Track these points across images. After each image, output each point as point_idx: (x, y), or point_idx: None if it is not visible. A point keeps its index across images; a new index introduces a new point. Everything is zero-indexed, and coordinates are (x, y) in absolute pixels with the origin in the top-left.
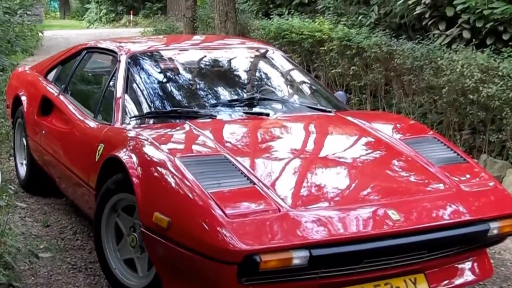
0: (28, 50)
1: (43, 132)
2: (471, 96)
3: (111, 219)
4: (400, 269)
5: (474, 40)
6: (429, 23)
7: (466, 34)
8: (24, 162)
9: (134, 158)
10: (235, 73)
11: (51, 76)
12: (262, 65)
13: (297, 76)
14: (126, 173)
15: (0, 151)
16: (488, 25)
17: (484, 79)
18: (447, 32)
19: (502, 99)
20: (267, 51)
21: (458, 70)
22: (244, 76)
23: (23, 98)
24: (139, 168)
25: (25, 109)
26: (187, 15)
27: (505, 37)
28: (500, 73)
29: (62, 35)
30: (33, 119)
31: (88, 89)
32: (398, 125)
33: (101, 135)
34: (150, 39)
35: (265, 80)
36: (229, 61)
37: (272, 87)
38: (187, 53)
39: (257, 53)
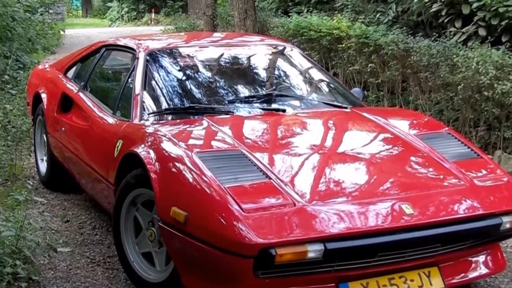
0: (49, 48)
1: (63, 128)
2: (486, 93)
3: (130, 213)
4: (414, 262)
5: (489, 37)
6: (446, 20)
7: (482, 32)
8: (45, 158)
9: (152, 154)
10: (252, 69)
11: (70, 73)
12: (279, 62)
13: (314, 72)
14: (144, 168)
15: (21, 148)
16: (503, 23)
17: (499, 76)
18: (463, 30)
19: None
20: (284, 48)
21: (473, 67)
22: (261, 73)
23: (43, 96)
24: (157, 163)
25: (45, 106)
26: (207, 13)
27: None
28: None
29: (84, 33)
30: (53, 116)
31: (107, 86)
32: (413, 121)
33: (119, 131)
34: (170, 36)
35: (282, 76)
36: (247, 58)
37: (289, 83)
38: (205, 50)
39: (275, 50)
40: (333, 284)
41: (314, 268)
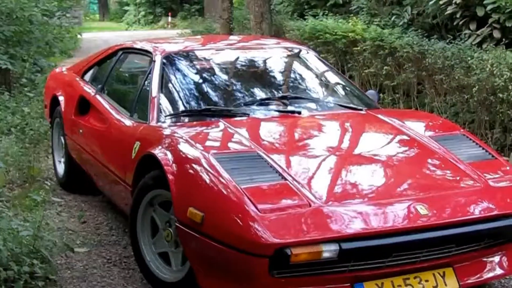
0: (66, 52)
1: (81, 131)
2: (500, 95)
3: (147, 214)
4: (429, 263)
5: (504, 39)
6: (460, 23)
7: (497, 34)
8: (62, 160)
9: (169, 155)
10: (268, 72)
11: (87, 76)
12: (295, 64)
13: (329, 75)
14: (162, 169)
15: (38, 150)
16: None
17: None
18: (478, 32)
19: None
20: (300, 51)
21: (488, 69)
22: (277, 76)
23: (61, 98)
24: (174, 164)
25: (63, 109)
26: (224, 16)
27: None
28: None
29: (101, 37)
30: (71, 118)
31: (124, 89)
32: (428, 123)
33: (137, 133)
34: (186, 39)
35: (298, 79)
36: (263, 60)
37: (305, 86)
38: (221, 53)
39: (291, 53)
40: (348, 284)
41: (329, 268)
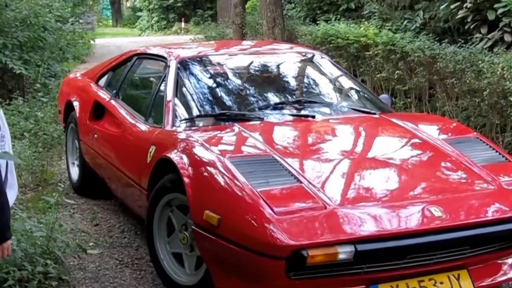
0: (80, 58)
1: (95, 136)
2: (511, 99)
3: (163, 215)
4: (443, 265)
5: None
6: (472, 26)
7: (508, 37)
8: (76, 164)
9: (185, 159)
10: (282, 77)
11: (102, 81)
12: (308, 69)
13: (342, 79)
14: (177, 173)
15: (51, 154)
16: None
17: None
18: (489, 36)
19: None
20: (313, 55)
21: (498, 72)
22: (291, 80)
23: (75, 104)
24: (190, 168)
25: (77, 114)
26: (236, 21)
27: None
28: None
29: (114, 42)
30: (86, 123)
31: (138, 94)
32: (441, 126)
33: (152, 138)
34: (200, 44)
35: (312, 83)
36: (276, 65)
37: (318, 90)
38: (234, 58)
39: (304, 58)
40: (363, 286)
41: (344, 270)
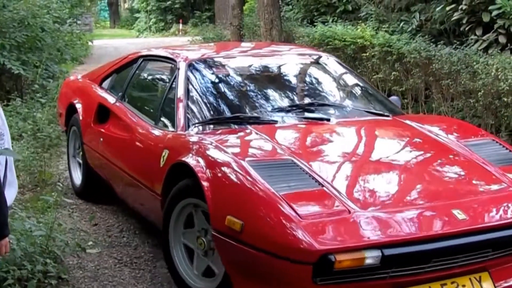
0: (78, 59)
1: (101, 139)
2: (505, 99)
3: (180, 220)
4: (465, 268)
5: (509, 44)
6: (467, 28)
7: (502, 39)
8: (79, 168)
9: (202, 163)
10: (292, 79)
11: (106, 84)
12: (318, 71)
13: (353, 81)
14: (195, 178)
15: (50, 154)
16: None
17: None
18: (484, 37)
19: None
20: (320, 57)
21: (493, 73)
22: (301, 82)
23: (78, 106)
24: (208, 172)
25: (80, 117)
26: (234, 23)
27: None
28: None
29: (112, 44)
30: (90, 127)
31: (146, 96)
32: (455, 128)
33: (164, 142)
34: (201, 46)
35: (323, 85)
36: (285, 68)
37: (331, 92)
38: (242, 60)
39: (312, 60)
40: None
41: (370, 275)
